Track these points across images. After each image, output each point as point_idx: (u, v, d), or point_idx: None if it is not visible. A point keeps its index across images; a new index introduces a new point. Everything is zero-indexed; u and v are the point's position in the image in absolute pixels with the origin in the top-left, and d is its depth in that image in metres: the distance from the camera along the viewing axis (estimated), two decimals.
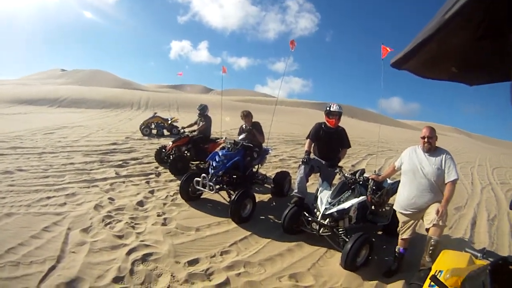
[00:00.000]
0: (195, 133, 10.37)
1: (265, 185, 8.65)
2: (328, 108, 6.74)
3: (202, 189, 6.81)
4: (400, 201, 5.17)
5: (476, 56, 1.23)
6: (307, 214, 6.02)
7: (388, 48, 8.61)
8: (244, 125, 8.26)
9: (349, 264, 5.06)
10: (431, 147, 4.94)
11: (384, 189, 6.28)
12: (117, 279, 4.25)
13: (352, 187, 5.98)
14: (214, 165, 6.89)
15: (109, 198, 6.76)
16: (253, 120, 8.19)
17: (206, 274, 4.63)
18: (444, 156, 4.87)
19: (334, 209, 5.62)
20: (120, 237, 5.30)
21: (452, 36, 1.07)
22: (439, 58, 1.25)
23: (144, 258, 4.76)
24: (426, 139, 4.92)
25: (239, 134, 8.21)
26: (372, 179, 5.99)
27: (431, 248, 4.59)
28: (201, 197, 7.39)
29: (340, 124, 6.93)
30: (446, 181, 4.78)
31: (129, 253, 4.83)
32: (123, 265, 4.52)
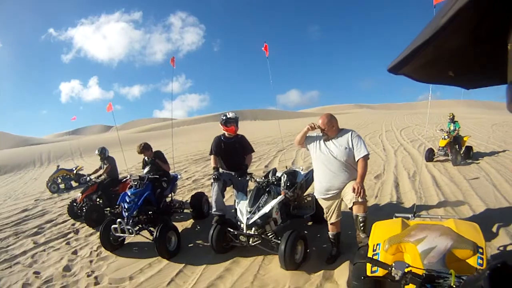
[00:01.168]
0: (103, 177, 9.95)
1: (184, 211, 8.44)
2: (224, 118, 6.70)
3: (122, 234, 6.51)
4: (318, 188, 5.21)
5: (472, 60, 1.24)
6: (232, 229, 5.95)
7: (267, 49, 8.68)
8: (146, 158, 8.02)
9: (289, 264, 5.03)
10: (333, 134, 5.01)
11: (297, 183, 6.36)
12: None
13: (268, 189, 5.96)
14: (126, 207, 6.58)
15: (35, 273, 6.25)
16: (154, 150, 7.97)
17: None
18: (349, 135, 4.97)
19: (256, 217, 5.58)
20: None
21: (449, 40, 1.07)
22: (436, 62, 1.25)
23: None
24: (324, 131, 5.00)
25: (143, 167, 7.96)
26: (284, 174, 6.02)
27: (361, 225, 4.71)
28: (125, 242, 7.07)
29: (242, 131, 6.93)
30: (356, 159, 4.87)
31: None
32: None
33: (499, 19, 0.97)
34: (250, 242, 5.70)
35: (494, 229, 5.90)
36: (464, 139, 12.76)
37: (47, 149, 39.54)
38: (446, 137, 12.02)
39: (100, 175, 10.05)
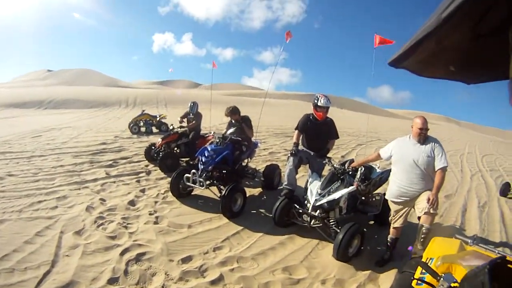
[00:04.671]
0: (185, 129, 10.21)
1: (255, 179, 8.60)
2: (315, 101, 6.65)
3: (192, 185, 6.78)
4: (392, 190, 5.21)
5: (474, 55, 1.23)
6: (297, 206, 6.03)
7: (379, 38, 8.60)
8: (232, 120, 8.15)
9: (341, 255, 5.10)
10: (421, 139, 4.98)
11: (372, 179, 6.36)
12: (111, 281, 4.24)
13: (342, 177, 5.98)
14: (203, 160, 6.81)
15: (100, 199, 6.67)
16: (241, 114, 8.07)
17: (199, 271, 4.63)
18: (433, 144, 4.94)
19: (324, 200, 5.63)
20: (113, 237, 5.26)
21: (450, 34, 1.07)
22: (437, 56, 1.24)
23: (138, 258, 4.75)
24: (423, 131, 4.94)
25: (228, 128, 8.13)
26: (362, 166, 6.02)
27: (422, 236, 4.66)
28: (192, 193, 7.36)
29: (328, 115, 6.89)
30: (436, 169, 4.84)
31: (122, 253, 4.81)
32: (117, 266, 4.50)
33: (501, 14, 0.97)
34: (311, 224, 5.81)
35: None
36: None
37: (134, 93, 40.97)
38: None
39: (184, 127, 10.33)
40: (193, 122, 10.17)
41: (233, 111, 7.93)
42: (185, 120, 10.62)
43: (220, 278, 4.52)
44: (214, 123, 16.70)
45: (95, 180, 7.80)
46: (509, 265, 2.05)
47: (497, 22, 1.01)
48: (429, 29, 1.04)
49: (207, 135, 10.24)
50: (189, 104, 10.67)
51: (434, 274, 2.58)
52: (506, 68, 0.99)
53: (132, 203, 6.73)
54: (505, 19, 0.98)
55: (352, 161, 6.69)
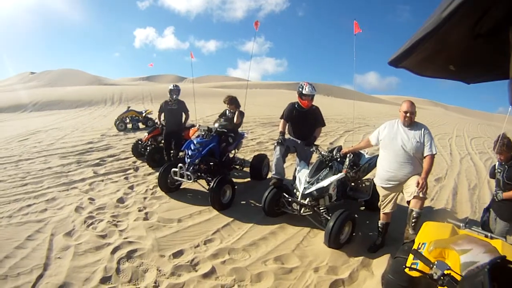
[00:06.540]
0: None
1: (244, 169, 8.60)
2: (300, 90, 6.65)
3: (180, 179, 6.74)
4: (380, 175, 5.19)
5: (473, 55, 1.22)
6: (287, 195, 6.02)
7: (358, 27, 8.58)
8: (227, 111, 8.11)
9: (332, 242, 5.07)
10: (411, 122, 4.96)
11: (361, 165, 6.36)
12: (104, 280, 4.22)
13: (330, 164, 5.96)
14: (189, 153, 6.75)
15: (89, 199, 6.62)
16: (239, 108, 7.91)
17: (191, 265, 4.61)
18: (422, 130, 4.94)
19: (313, 188, 5.60)
20: (103, 236, 5.22)
21: (450, 34, 1.06)
22: (437, 56, 1.24)
23: (129, 255, 4.73)
24: (408, 114, 4.92)
25: (218, 118, 8.09)
26: (350, 153, 5.97)
27: (413, 220, 4.64)
28: (181, 187, 7.34)
29: (315, 103, 6.88)
30: (425, 155, 4.85)
31: (113, 251, 4.78)
32: (109, 264, 4.47)
33: (501, 14, 0.97)
34: (301, 212, 5.80)
35: None
36: None
37: (119, 90, 40.57)
38: None
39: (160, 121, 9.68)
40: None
41: (231, 101, 7.85)
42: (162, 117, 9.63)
43: (212, 271, 4.50)
44: (201, 116, 16.64)
45: (83, 180, 7.74)
46: (509, 265, 2.03)
47: (497, 22, 1.00)
48: (430, 28, 1.03)
49: (191, 126, 9.98)
50: (170, 87, 9.76)
51: (426, 261, 2.56)
52: (506, 68, 0.99)
53: (121, 200, 6.69)
54: (505, 18, 0.97)
55: (340, 148, 6.64)
